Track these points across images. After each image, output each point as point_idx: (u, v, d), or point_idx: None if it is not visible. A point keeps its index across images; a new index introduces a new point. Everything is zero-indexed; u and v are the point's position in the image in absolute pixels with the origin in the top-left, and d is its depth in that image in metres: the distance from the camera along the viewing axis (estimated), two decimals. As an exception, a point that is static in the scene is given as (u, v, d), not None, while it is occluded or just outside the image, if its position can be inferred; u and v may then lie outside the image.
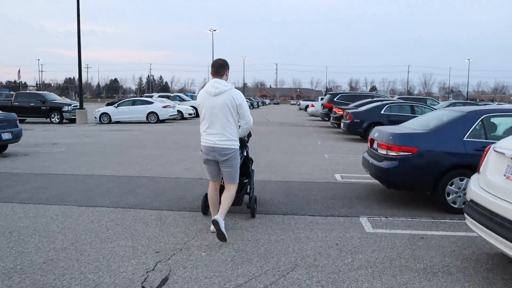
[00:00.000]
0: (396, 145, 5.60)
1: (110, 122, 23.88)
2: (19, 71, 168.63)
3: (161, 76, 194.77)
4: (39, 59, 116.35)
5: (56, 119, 23.80)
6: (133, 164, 9.32)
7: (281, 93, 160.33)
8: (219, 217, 4.29)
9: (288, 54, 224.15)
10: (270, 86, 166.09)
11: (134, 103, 24.55)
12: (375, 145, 6.18)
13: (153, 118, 24.06)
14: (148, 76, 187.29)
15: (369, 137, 6.64)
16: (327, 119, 19.66)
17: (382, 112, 14.06)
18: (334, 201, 6.13)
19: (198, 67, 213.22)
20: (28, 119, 24.97)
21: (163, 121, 24.94)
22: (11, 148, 11.72)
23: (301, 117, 30.18)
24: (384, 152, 5.76)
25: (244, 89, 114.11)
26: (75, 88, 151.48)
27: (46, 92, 30.85)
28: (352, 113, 14.28)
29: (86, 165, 9.09)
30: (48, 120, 23.96)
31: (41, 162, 9.49)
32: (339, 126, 16.09)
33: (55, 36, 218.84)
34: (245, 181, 5.29)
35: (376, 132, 6.37)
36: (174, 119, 26.75)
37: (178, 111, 27.15)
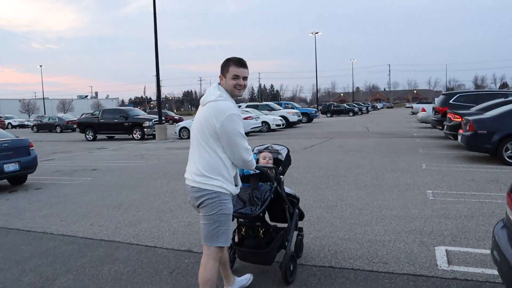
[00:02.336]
0: None
1: (189, 136, 21.96)
2: (144, 87, 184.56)
3: (271, 85, 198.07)
4: (154, 75, 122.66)
5: (138, 135, 22.70)
6: (128, 210, 6.45)
7: (396, 96, 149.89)
8: None
9: (402, 53, 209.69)
10: (384, 89, 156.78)
11: (213, 115, 22.25)
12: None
13: (233, 131, 21.47)
14: (259, 85, 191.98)
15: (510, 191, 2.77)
16: (440, 127, 14.90)
17: (525, 118, 9.24)
18: None
19: (306, 73, 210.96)
20: (117, 136, 24.38)
21: (247, 134, 22.21)
22: (32, 177, 9.88)
23: (410, 124, 25.07)
24: None
25: (353, 94, 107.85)
26: (192, 100, 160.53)
27: (130, 107, 30.58)
28: (474, 121, 9.74)
29: (78, 210, 6.47)
30: (130, 136, 22.98)
31: (27, 204, 7.20)
32: (455, 138, 11.51)
33: (178, 52, 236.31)
34: (272, 227, 3.70)
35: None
36: (260, 131, 23.95)
37: (264, 122, 24.30)
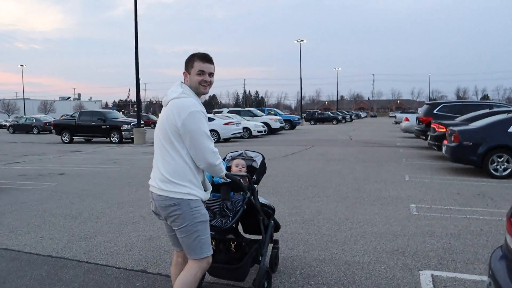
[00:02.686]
0: None
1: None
2: (129, 90, 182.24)
3: (256, 91, 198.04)
4: (140, 79, 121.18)
5: (116, 139, 21.97)
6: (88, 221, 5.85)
7: (380, 105, 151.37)
8: None
9: (386, 63, 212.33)
10: (368, 98, 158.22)
11: (194, 120, 21.67)
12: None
13: (213, 137, 20.95)
14: (244, 91, 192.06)
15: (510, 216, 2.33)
16: (423, 138, 14.63)
17: (511, 129, 8.95)
18: None
19: (291, 81, 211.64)
20: (94, 139, 23.59)
21: (227, 139, 21.73)
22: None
23: (393, 134, 24.92)
24: None
25: (337, 102, 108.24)
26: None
27: (109, 109, 29.81)
28: (460, 132, 9.41)
29: (32, 220, 5.83)
30: (108, 139, 22.23)
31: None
32: (439, 149, 11.20)
33: (164, 57, 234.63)
34: (244, 241, 3.45)
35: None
36: (241, 137, 23.45)
37: (246, 128, 23.81)
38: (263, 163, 3.69)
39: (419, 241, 4.75)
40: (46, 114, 71.44)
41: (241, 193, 3.26)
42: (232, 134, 21.08)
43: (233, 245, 3.45)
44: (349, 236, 4.98)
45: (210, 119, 21.34)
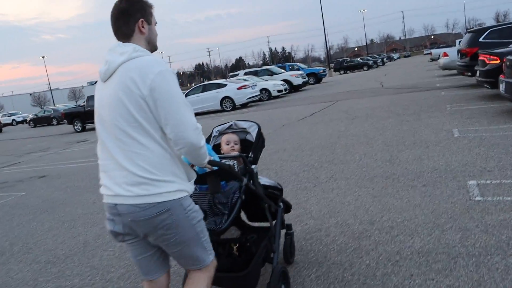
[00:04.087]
0: None
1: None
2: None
3: (283, 47, 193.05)
4: (162, 52, 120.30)
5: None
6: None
7: (413, 44, 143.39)
8: None
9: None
10: (400, 38, 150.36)
11: (204, 89, 19.79)
12: None
13: (228, 104, 19.01)
14: (270, 49, 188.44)
15: None
16: (469, 74, 11.99)
17: None
18: None
19: (316, 31, 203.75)
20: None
21: (244, 105, 19.75)
22: None
23: (430, 73, 21.89)
24: None
25: (367, 47, 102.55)
26: (204, 73, 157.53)
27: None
28: (523, 61, 6.94)
29: None
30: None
31: None
32: (494, 87, 8.74)
33: (186, 26, 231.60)
34: (249, 241, 2.65)
35: None
36: (260, 99, 21.36)
37: (264, 89, 21.64)
38: (259, 135, 2.88)
39: (502, 268, 2.69)
40: (76, 102, 71.45)
41: (236, 180, 2.49)
42: (248, 98, 19.00)
43: (235, 247, 2.66)
44: (373, 265, 2.98)
45: (221, 85, 19.39)
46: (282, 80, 23.63)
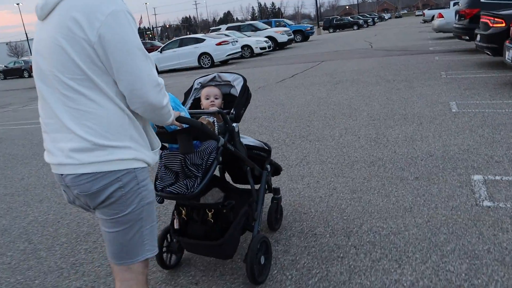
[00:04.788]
0: None
1: (158, 72, 18.28)
2: (141, 17, 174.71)
3: (272, 3, 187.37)
4: (146, 3, 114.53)
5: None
6: None
7: (405, 4, 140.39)
8: None
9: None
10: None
11: (181, 43, 18.31)
12: None
13: (206, 61, 17.67)
14: (259, 4, 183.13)
15: None
16: (468, 38, 10.90)
17: None
18: None
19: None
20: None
21: (225, 62, 18.45)
22: None
23: (423, 36, 20.65)
24: None
25: (358, 5, 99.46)
26: (190, 26, 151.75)
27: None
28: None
29: None
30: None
31: None
32: (496, 54, 7.73)
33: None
34: (225, 207, 2.34)
35: None
36: (242, 56, 20.05)
37: (246, 46, 20.25)
38: (244, 89, 2.51)
39: None
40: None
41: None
42: (228, 55, 17.64)
43: (210, 214, 2.32)
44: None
45: (200, 40, 17.95)
46: (266, 37, 22.14)
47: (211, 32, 25.41)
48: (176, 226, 2.43)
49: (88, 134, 1.47)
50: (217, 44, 17.33)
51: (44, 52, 1.50)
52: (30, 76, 31.26)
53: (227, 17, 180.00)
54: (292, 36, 24.78)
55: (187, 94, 2.70)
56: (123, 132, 1.52)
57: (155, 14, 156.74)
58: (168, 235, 2.62)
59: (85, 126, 1.47)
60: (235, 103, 2.43)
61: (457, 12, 11.89)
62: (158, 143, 1.73)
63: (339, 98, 7.40)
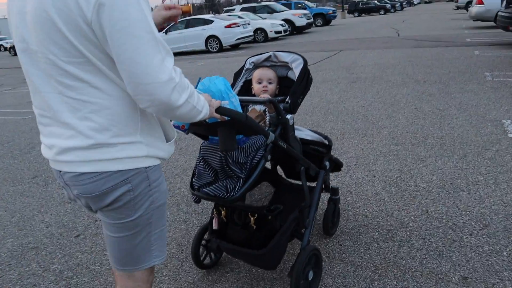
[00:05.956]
0: None
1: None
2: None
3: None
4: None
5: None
6: None
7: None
8: None
9: None
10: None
11: (188, 24, 16.75)
12: None
13: (214, 44, 16.12)
14: None
15: None
16: (517, 29, 9.06)
17: None
18: None
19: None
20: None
21: (236, 46, 16.92)
22: None
23: (457, 24, 18.53)
24: None
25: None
26: (213, 6, 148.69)
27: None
28: None
29: None
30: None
31: None
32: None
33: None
34: (271, 213, 2.01)
35: None
36: (255, 40, 18.45)
37: (259, 29, 18.59)
38: (304, 72, 2.12)
39: None
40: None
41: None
42: (238, 38, 16.02)
43: (252, 219, 2.03)
44: None
45: (208, 21, 16.40)
46: (283, 20, 20.35)
47: (224, 13, 23.70)
48: (214, 226, 2.16)
49: (92, 129, 1.23)
50: (226, 27, 15.72)
51: (31, 25, 1.19)
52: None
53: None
54: (312, 20, 22.83)
55: (237, 75, 2.36)
56: (133, 125, 1.28)
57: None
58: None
59: (88, 119, 1.22)
60: (292, 89, 2.07)
61: (504, -3, 9.98)
62: (173, 133, 1.47)
63: (354, 103, 5.81)
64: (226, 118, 1.57)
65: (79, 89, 1.20)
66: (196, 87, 1.54)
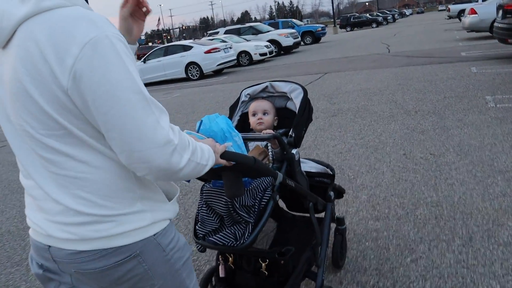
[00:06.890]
0: None
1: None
2: (158, 19, 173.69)
3: (290, 1, 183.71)
4: (161, 5, 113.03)
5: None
6: None
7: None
8: None
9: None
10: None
11: (167, 51, 15.91)
12: None
13: (194, 71, 15.24)
14: (277, 3, 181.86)
15: None
16: (516, 42, 8.08)
17: None
18: None
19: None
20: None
21: (219, 71, 16.05)
22: None
23: (451, 35, 17.57)
24: None
25: (377, 2, 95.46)
26: (208, 28, 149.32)
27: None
28: None
29: None
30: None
31: None
32: None
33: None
34: (283, 257, 1.90)
35: None
36: (238, 64, 17.61)
37: (243, 52, 17.75)
38: (305, 103, 2.05)
39: None
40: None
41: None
42: (219, 64, 15.12)
43: (263, 264, 1.91)
44: None
45: (187, 47, 15.57)
46: (269, 41, 19.52)
47: (208, 36, 22.90)
48: (221, 274, 2.02)
49: (84, 206, 1.08)
50: (205, 52, 14.83)
51: (9, 100, 1.07)
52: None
53: (245, 17, 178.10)
54: (299, 39, 21.97)
55: (233, 108, 2.24)
56: (130, 194, 1.13)
57: (171, 16, 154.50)
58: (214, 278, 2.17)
59: (78, 196, 1.08)
60: (294, 122, 1.95)
61: (500, 7, 9.05)
62: (175, 189, 1.34)
63: (330, 149, 4.78)
64: (232, 162, 1.43)
65: (62, 164, 1.06)
66: (197, 130, 1.47)
